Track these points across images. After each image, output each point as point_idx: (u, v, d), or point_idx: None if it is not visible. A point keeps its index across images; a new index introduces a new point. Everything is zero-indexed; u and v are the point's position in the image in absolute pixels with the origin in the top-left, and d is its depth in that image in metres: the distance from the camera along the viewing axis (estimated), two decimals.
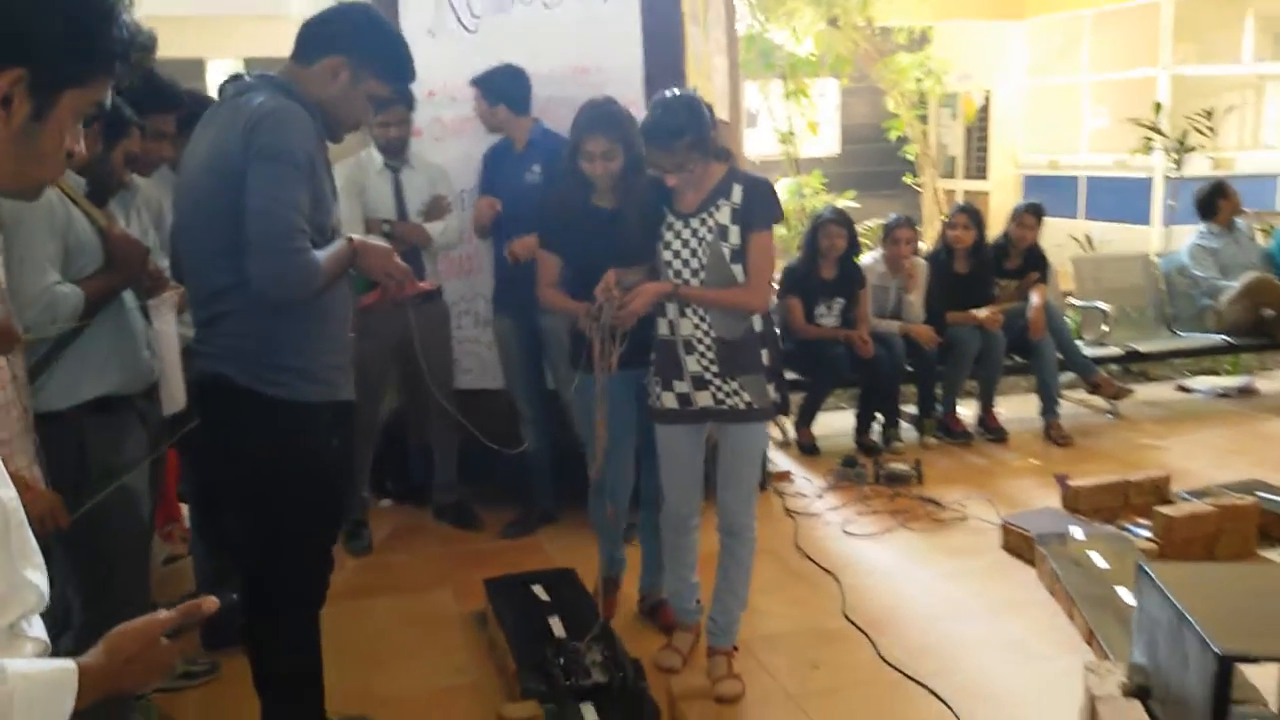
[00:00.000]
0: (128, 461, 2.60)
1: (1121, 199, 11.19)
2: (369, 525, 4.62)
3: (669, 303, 3.13)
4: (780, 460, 5.59)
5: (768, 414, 3.23)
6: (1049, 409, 5.97)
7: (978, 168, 13.39)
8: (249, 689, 2.72)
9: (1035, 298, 6.02)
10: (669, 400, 3.21)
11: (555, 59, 4.44)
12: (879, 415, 5.85)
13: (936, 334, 5.82)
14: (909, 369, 5.84)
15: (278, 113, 2.30)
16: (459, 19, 4.53)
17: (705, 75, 4.73)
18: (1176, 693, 2.49)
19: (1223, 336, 6.61)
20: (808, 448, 5.79)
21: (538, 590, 3.71)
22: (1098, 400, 6.41)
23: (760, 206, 3.09)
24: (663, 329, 3.18)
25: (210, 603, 1.40)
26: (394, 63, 2.48)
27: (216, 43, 9.24)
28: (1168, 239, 9.36)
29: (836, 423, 6.13)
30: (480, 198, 4.43)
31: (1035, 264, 6.22)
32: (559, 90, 4.39)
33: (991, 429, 5.97)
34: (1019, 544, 4.32)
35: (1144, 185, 10.80)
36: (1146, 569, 2.72)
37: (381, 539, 4.65)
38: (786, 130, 10.24)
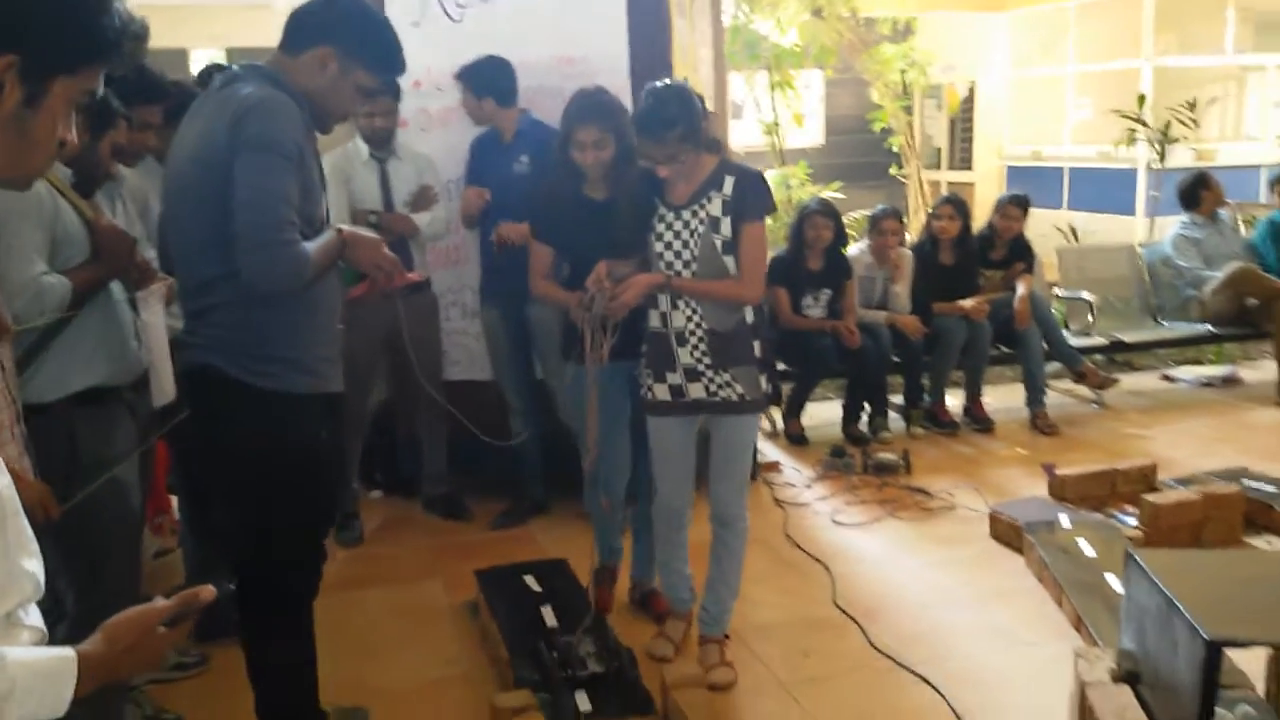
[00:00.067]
0: (118, 453, 2.59)
1: (1105, 190, 11.24)
2: (359, 517, 4.62)
3: (661, 294, 3.13)
4: (769, 451, 5.60)
5: (760, 405, 3.23)
6: (1035, 399, 6.00)
7: (962, 159, 13.42)
8: (241, 680, 2.71)
9: (1021, 288, 6.04)
10: (661, 392, 3.21)
11: (541, 49, 4.43)
12: (866, 406, 5.87)
13: (923, 324, 5.83)
14: (896, 359, 5.85)
15: (266, 103, 2.29)
16: (444, 9, 4.51)
17: (691, 66, 4.72)
18: (1165, 678, 2.51)
19: (1207, 326, 6.65)
20: (796, 438, 5.81)
21: (529, 581, 3.72)
22: (1083, 390, 6.44)
23: (752, 198, 3.09)
24: (655, 321, 3.18)
25: (208, 591, 1.40)
26: (383, 53, 2.47)
27: (199, 32, 9.18)
28: (1151, 230, 9.40)
29: (824, 413, 6.14)
30: (468, 188, 4.42)
31: (1020, 255, 6.24)
32: (545, 80, 4.39)
33: (978, 419, 5.99)
34: (1007, 532, 4.35)
35: (1128, 176, 10.85)
36: (1135, 556, 2.73)
37: (371, 530, 4.65)
38: (771, 121, 10.24)
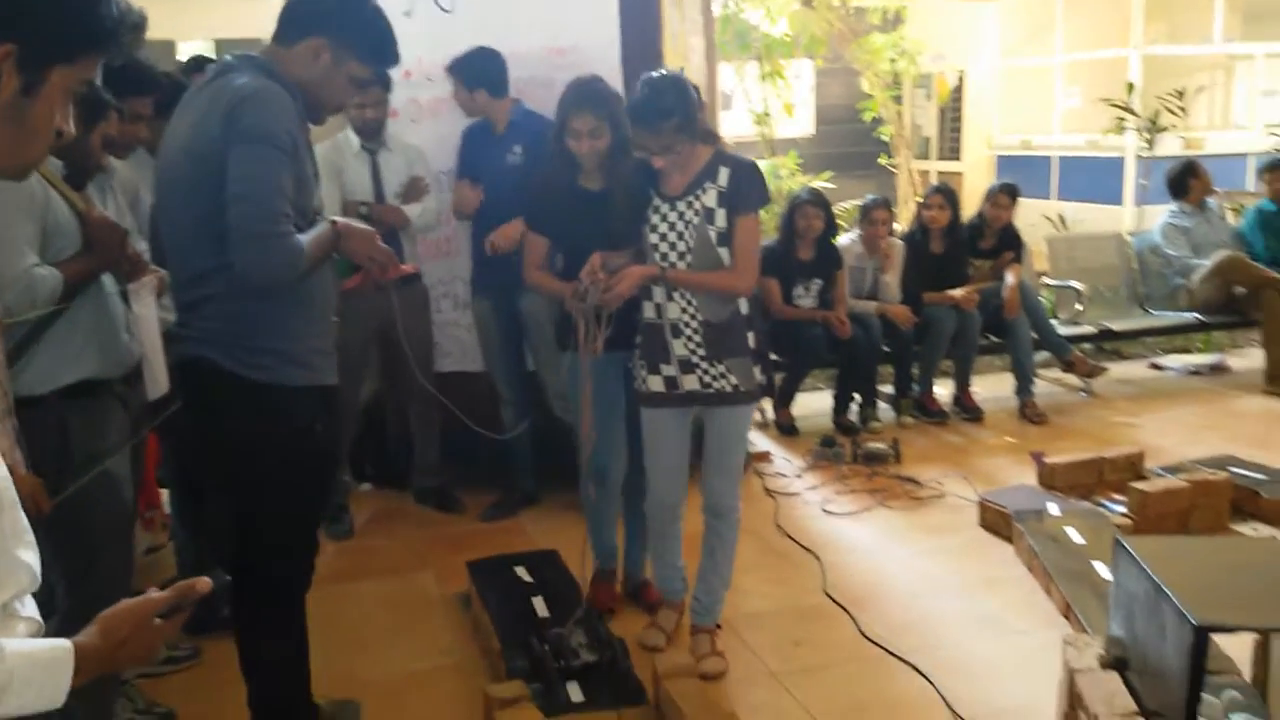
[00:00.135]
0: (109, 446, 2.59)
1: (1094, 179, 11.27)
2: (349, 510, 4.62)
3: (655, 286, 3.13)
4: (759, 441, 5.61)
5: (754, 396, 3.24)
6: (1024, 388, 6.03)
7: (951, 148, 13.43)
8: (232, 673, 2.72)
9: (1010, 277, 6.06)
10: (655, 383, 3.21)
11: (531, 39, 4.42)
12: (856, 395, 5.89)
13: (913, 314, 5.85)
14: (886, 349, 5.86)
15: (260, 94, 2.28)
16: None
17: (682, 56, 4.72)
18: (1154, 664, 2.53)
19: (1195, 315, 6.68)
20: (786, 428, 5.83)
21: (521, 572, 3.73)
22: (1072, 379, 6.47)
23: (748, 190, 3.09)
24: (649, 312, 3.18)
25: (203, 583, 1.41)
26: (377, 44, 2.46)
27: (187, 23, 9.13)
28: (1140, 218, 9.43)
29: (814, 403, 6.16)
30: (461, 181, 4.40)
31: (1010, 244, 6.25)
32: (536, 71, 4.38)
33: (968, 408, 6.02)
34: (996, 521, 4.37)
35: (1116, 165, 10.88)
36: (1124, 543, 2.75)
37: (362, 523, 4.65)
38: (762, 111, 10.25)
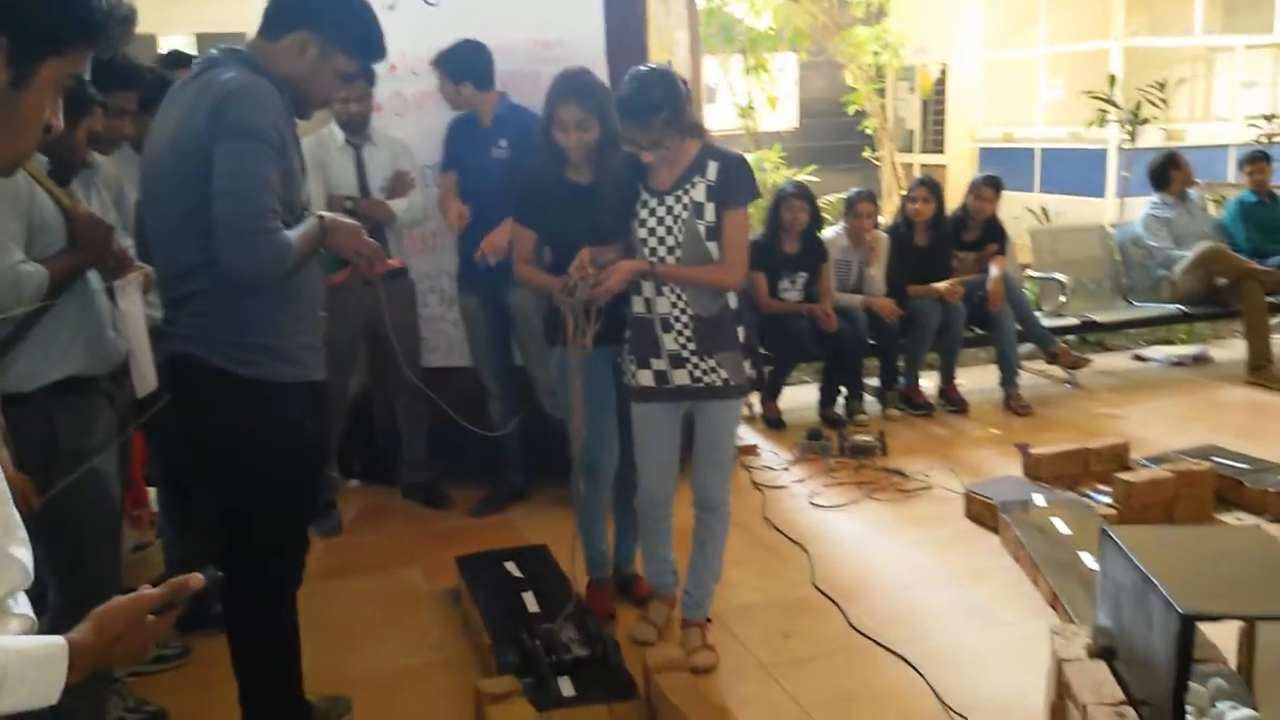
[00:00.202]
0: (97, 443, 2.58)
1: (1076, 171, 11.32)
2: (337, 506, 4.61)
3: (645, 281, 3.12)
4: (747, 434, 5.62)
5: (744, 390, 3.24)
6: (1008, 379, 6.05)
7: (934, 141, 13.46)
8: (223, 671, 2.71)
9: (994, 270, 6.08)
10: (645, 378, 3.20)
11: (516, 32, 4.41)
12: (843, 388, 5.90)
13: (898, 307, 5.86)
14: (871, 342, 5.88)
15: (247, 88, 2.27)
16: None
17: (666, 49, 4.72)
18: (1141, 653, 2.55)
19: (1177, 306, 6.71)
20: (773, 421, 5.84)
21: (510, 567, 3.73)
22: (1056, 370, 6.50)
23: (736, 184, 3.09)
24: (639, 307, 3.17)
25: (196, 579, 1.41)
26: (363, 38, 2.45)
27: (168, 17, 9.06)
28: (1122, 210, 9.48)
29: (801, 396, 6.17)
30: (448, 194, 4.38)
31: (994, 236, 6.28)
32: (521, 64, 4.37)
33: (953, 400, 6.04)
34: (982, 512, 4.39)
35: (1098, 157, 10.92)
36: (1110, 533, 2.77)
37: (350, 519, 4.64)
38: (746, 105, 10.25)
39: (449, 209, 4.34)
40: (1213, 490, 4.41)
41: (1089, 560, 3.65)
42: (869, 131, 11.63)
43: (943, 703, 3.08)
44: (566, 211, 3.29)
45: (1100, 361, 6.83)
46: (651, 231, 3.12)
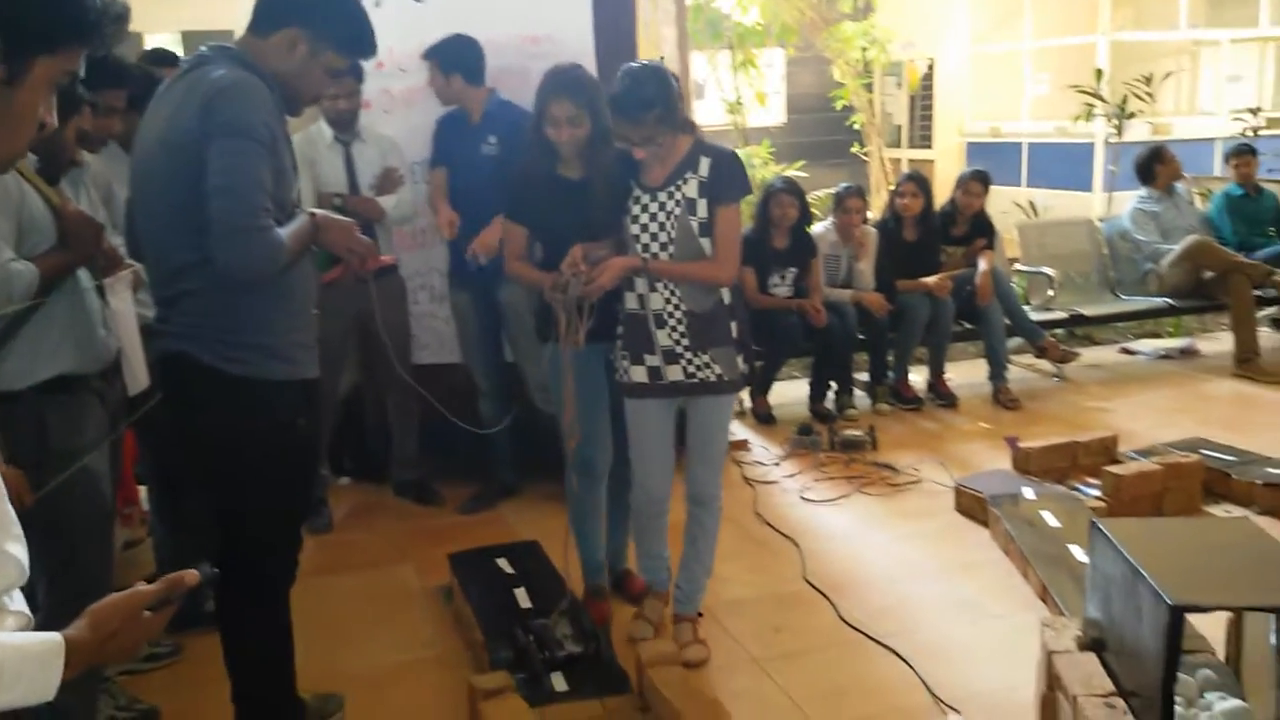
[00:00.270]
0: (88, 442, 2.57)
1: (1063, 165, 11.36)
2: (328, 503, 4.60)
3: (638, 277, 3.12)
4: (737, 429, 5.63)
5: (737, 385, 3.25)
6: (997, 373, 6.07)
7: (922, 136, 13.50)
8: (215, 669, 2.71)
9: (982, 264, 6.10)
10: (638, 374, 3.20)
11: (505, 28, 4.41)
12: (833, 383, 5.91)
13: (887, 302, 5.88)
14: (861, 337, 5.90)
15: (237, 86, 2.26)
16: None
17: (655, 45, 4.72)
18: (1130, 644, 2.57)
19: (1165, 299, 6.74)
20: (764, 417, 5.85)
21: (502, 563, 3.73)
22: (1044, 364, 6.52)
23: (729, 179, 3.09)
24: (631, 303, 3.17)
25: (192, 575, 1.41)
26: (353, 35, 2.44)
27: (153, 15, 9.02)
28: (1109, 204, 9.51)
29: (791, 391, 6.19)
30: (438, 194, 4.37)
31: (982, 231, 6.29)
32: (510, 61, 4.37)
33: (942, 394, 6.06)
34: (972, 506, 4.41)
35: (1085, 151, 10.96)
36: (1100, 526, 2.79)
37: (341, 517, 4.63)
38: (734, 100, 10.26)
39: (439, 213, 4.33)
40: (1201, 482, 4.44)
41: (1078, 553, 3.67)
42: (857, 127, 11.66)
43: (933, 695, 3.10)
44: (558, 208, 3.29)
45: (1088, 355, 6.86)
46: (644, 228, 3.12)
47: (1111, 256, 7.14)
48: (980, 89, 12.84)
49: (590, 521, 3.57)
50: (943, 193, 6.60)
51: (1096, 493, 4.39)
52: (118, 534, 3.64)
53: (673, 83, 3.05)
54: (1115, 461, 4.64)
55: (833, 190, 6.26)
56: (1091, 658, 2.75)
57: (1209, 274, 6.62)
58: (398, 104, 4.65)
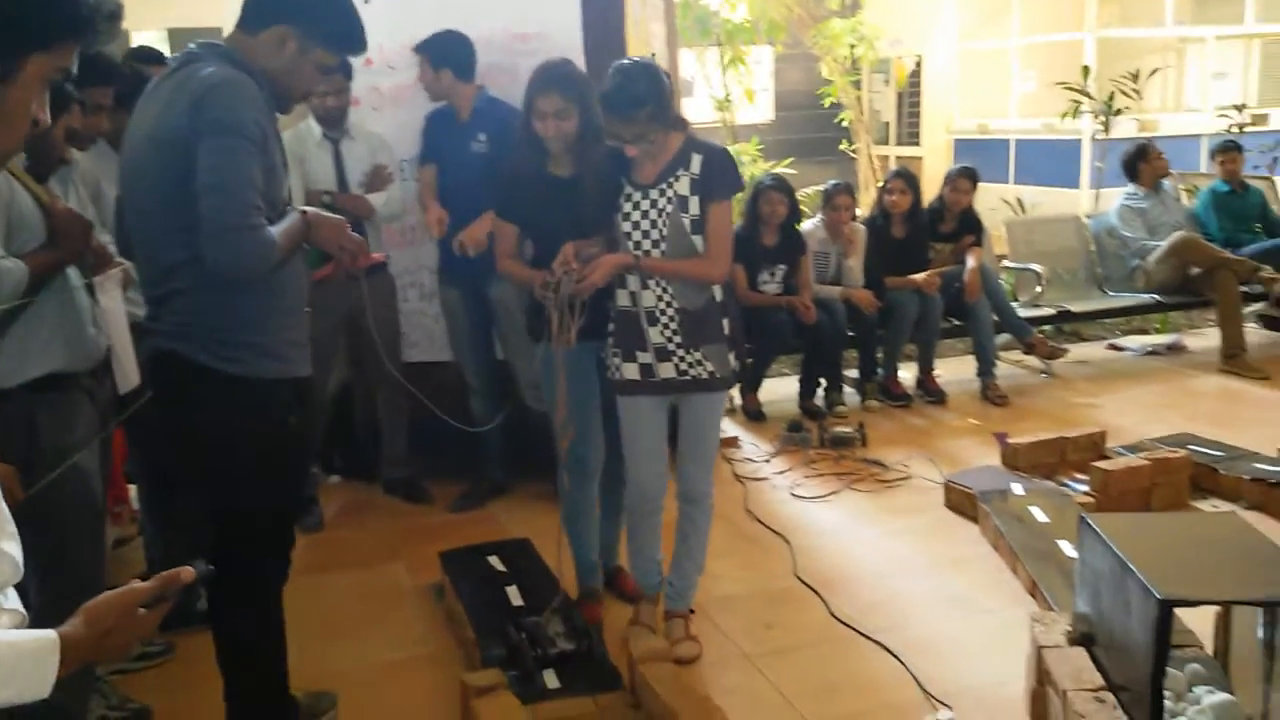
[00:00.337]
0: (78, 440, 2.56)
1: (1051, 162, 11.39)
2: (319, 502, 4.59)
3: (630, 275, 3.12)
4: (728, 427, 5.64)
5: (729, 382, 3.25)
6: (986, 370, 6.10)
7: (910, 134, 13.53)
8: (207, 668, 2.71)
9: (971, 261, 6.11)
10: (630, 371, 3.19)
11: (494, 25, 4.40)
12: (822, 380, 5.93)
13: (876, 298, 5.89)
14: (850, 334, 5.91)
15: (227, 84, 2.25)
16: None
17: (644, 41, 4.72)
18: (1119, 639, 2.58)
19: (1152, 295, 6.77)
20: (754, 414, 5.86)
21: (493, 561, 3.73)
22: (1033, 360, 6.54)
23: (720, 177, 3.08)
24: (623, 300, 3.16)
25: (187, 572, 1.41)
26: (343, 31, 2.44)
27: (140, 13, 9.00)
28: (1096, 201, 9.56)
29: (781, 389, 6.20)
30: (427, 191, 4.36)
31: (970, 228, 6.31)
32: (499, 58, 4.36)
33: (931, 391, 6.08)
34: (961, 501, 4.42)
35: (1073, 148, 11.00)
36: (1089, 521, 2.81)
37: (332, 515, 4.62)
38: (723, 98, 10.27)
39: (429, 211, 4.32)
40: (1188, 477, 4.47)
41: (1067, 548, 3.68)
42: (845, 124, 11.67)
43: (924, 690, 3.11)
44: (548, 205, 3.29)
45: (1076, 351, 6.89)
46: (636, 225, 3.12)
47: (1099, 253, 7.17)
48: (968, 86, 12.87)
49: (583, 521, 3.56)
50: (930, 190, 6.61)
51: (1085, 488, 4.41)
52: (107, 532, 3.63)
53: (664, 80, 3.04)
54: (1103, 457, 4.67)
55: (821, 187, 6.27)
56: (1081, 652, 2.77)
57: (1196, 270, 6.65)
58: (386, 101, 4.64)
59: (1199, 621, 2.94)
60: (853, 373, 6.10)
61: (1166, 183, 7.09)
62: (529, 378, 4.12)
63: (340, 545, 4.35)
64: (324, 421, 4.64)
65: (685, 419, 3.26)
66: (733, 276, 5.47)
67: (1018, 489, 4.35)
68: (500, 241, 3.43)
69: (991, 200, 8.82)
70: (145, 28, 9.49)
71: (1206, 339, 7.08)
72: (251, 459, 2.44)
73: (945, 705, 3.01)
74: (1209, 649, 2.87)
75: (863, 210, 7.05)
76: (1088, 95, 9.10)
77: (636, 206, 3.11)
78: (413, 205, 4.51)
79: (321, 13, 2.41)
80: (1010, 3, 12.11)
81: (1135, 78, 9.07)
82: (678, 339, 3.13)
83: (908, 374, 6.19)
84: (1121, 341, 7.25)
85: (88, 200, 2.96)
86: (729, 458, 5.19)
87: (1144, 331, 7.55)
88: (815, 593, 3.75)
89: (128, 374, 2.68)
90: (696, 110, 10.40)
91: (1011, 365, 6.61)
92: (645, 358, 3.17)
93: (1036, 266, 6.82)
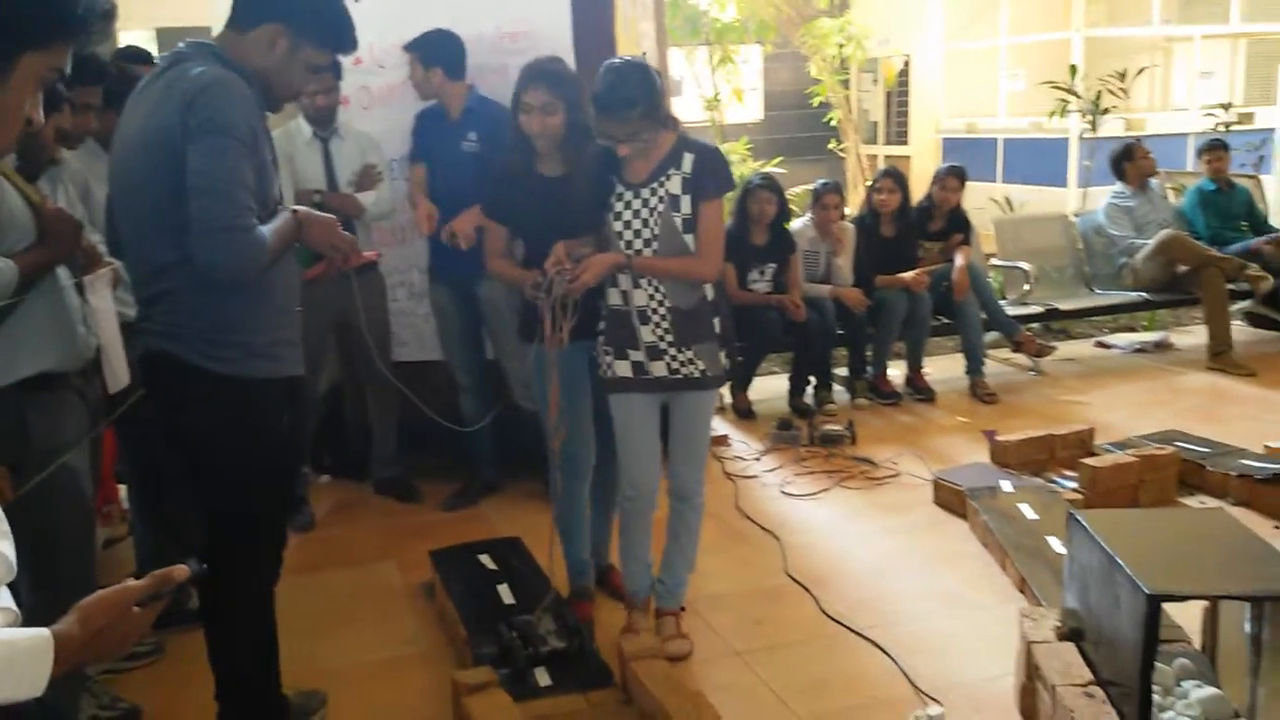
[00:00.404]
0: (69, 439, 2.56)
1: (1038, 161, 11.43)
2: (309, 501, 4.59)
3: (621, 274, 3.11)
4: (718, 425, 5.64)
5: (720, 381, 3.25)
6: (974, 368, 6.12)
7: (898, 133, 13.55)
8: (196, 667, 2.71)
9: (959, 259, 6.13)
10: (623, 368, 3.19)
11: (484, 24, 4.40)
12: (812, 378, 5.94)
13: (865, 297, 5.91)
14: (839, 332, 5.92)
15: (217, 84, 2.24)
16: None
17: (633, 40, 4.73)
18: (1108, 634, 2.60)
19: (1139, 293, 6.80)
20: (744, 412, 5.87)
21: (485, 559, 3.73)
22: (1021, 358, 6.57)
23: (711, 176, 3.09)
24: (614, 299, 3.16)
25: (181, 570, 1.41)
26: (334, 30, 2.43)
27: (127, 12, 8.98)
28: (1084, 200, 9.59)
29: (771, 387, 6.21)
30: (417, 190, 4.36)
31: (958, 226, 6.34)
32: (488, 57, 4.36)
33: (920, 389, 6.09)
34: (951, 499, 4.44)
35: (1060, 146, 11.03)
36: (1078, 517, 2.82)
37: (322, 514, 4.62)
38: (712, 97, 10.28)
39: (418, 207, 4.32)
40: (1176, 474, 4.49)
41: (1056, 544, 3.70)
42: (834, 123, 11.69)
43: (914, 686, 3.12)
44: (538, 205, 3.29)
45: (1064, 349, 6.91)
46: (627, 224, 3.11)
47: (1086, 251, 7.20)
48: (956, 85, 12.91)
49: (574, 520, 3.56)
50: (919, 188, 6.63)
51: (1073, 485, 4.44)
52: (97, 532, 3.62)
53: (656, 79, 3.04)
54: (1091, 454, 4.70)
55: (810, 186, 6.28)
56: (1070, 647, 2.79)
57: (1183, 268, 6.68)
58: (376, 101, 4.64)
59: (1187, 617, 2.96)
60: (842, 371, 6.12)
61: (1153, 181, 7.12)
62: (519, 376, 4.12)
63: (331, 544, 4.35)
64: (315, 421, 4.63)
65: (677, 417, 3.27)
66: (723, 275, 5.54)
67: (1007, 486, 4.37)
68: (490, 242, 3.43)
69: (980, 199, 8.84)
70: (133, 27, 9.45)
71: (1193, 336, 7.12)
72: (244, 458, 2.43)
73: (935, 701, 3.03)
74: (1197, 644, 2.90)
75: (852, 209, 7.07)
76: (1075, 94, 9.13)
77: (628, 206, 3.11)
78: (402, 204, 4.51)
79: (313, 11, 2.40)
80: (998, 2, 12.14)
81: (1122, 77, 9.11)
82: (670, 338, 3.13)
83: (897, 372, 6.20)
84: (1109, 339, 7.28)
85: (76, 200, 2.95)
86: (719, 456, 5.19)
87: (1131, 329, 7.59)
88: (805, 590, 3.76)
89: (117, 374, 2.67)
90: (686, 109, 10.42)
91: (1000, 363, 6.63)
92: (637, 356, 3.17)
93: (1025, 265, 6.84)
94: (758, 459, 5.20)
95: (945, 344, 6.73)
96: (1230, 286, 6.60)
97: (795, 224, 6.01)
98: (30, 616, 2.26)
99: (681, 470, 3.30)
